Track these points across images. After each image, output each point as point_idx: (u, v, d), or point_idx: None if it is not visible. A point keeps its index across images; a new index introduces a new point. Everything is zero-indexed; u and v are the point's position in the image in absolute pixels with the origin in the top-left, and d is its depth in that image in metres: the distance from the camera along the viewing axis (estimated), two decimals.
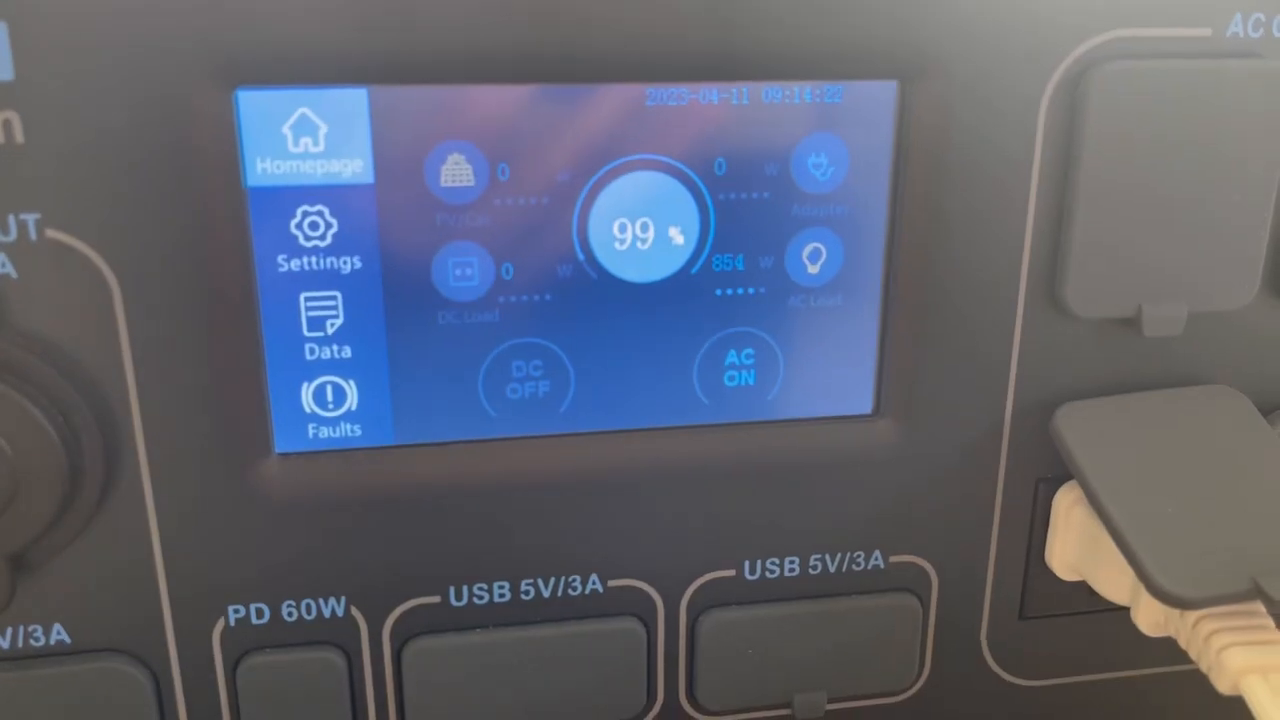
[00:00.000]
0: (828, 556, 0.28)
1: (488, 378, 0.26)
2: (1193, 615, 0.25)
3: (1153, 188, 0.26)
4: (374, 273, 0.25)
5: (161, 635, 0.26)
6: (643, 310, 0.26)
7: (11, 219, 0.22)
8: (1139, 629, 0.27)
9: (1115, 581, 0.28)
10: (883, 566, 0.29)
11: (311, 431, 0.26)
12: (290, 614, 0.26)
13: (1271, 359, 0.29)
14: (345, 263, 0.25)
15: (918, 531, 0.29)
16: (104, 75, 0.22)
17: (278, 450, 0.25)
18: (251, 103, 0.23)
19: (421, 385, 0.26)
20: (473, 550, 0.27)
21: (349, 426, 0.26)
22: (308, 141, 0.24)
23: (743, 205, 0.26)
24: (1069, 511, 0.28)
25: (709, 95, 0.25)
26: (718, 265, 0.26)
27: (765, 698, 0.29)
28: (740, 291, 0.26)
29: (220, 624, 0.26)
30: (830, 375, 0.27)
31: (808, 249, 0.26)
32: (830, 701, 0.30)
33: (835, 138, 0.26)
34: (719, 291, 0.26)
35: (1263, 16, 0.26)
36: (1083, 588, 0.29)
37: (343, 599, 0.26)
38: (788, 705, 0.29)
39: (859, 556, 0.29)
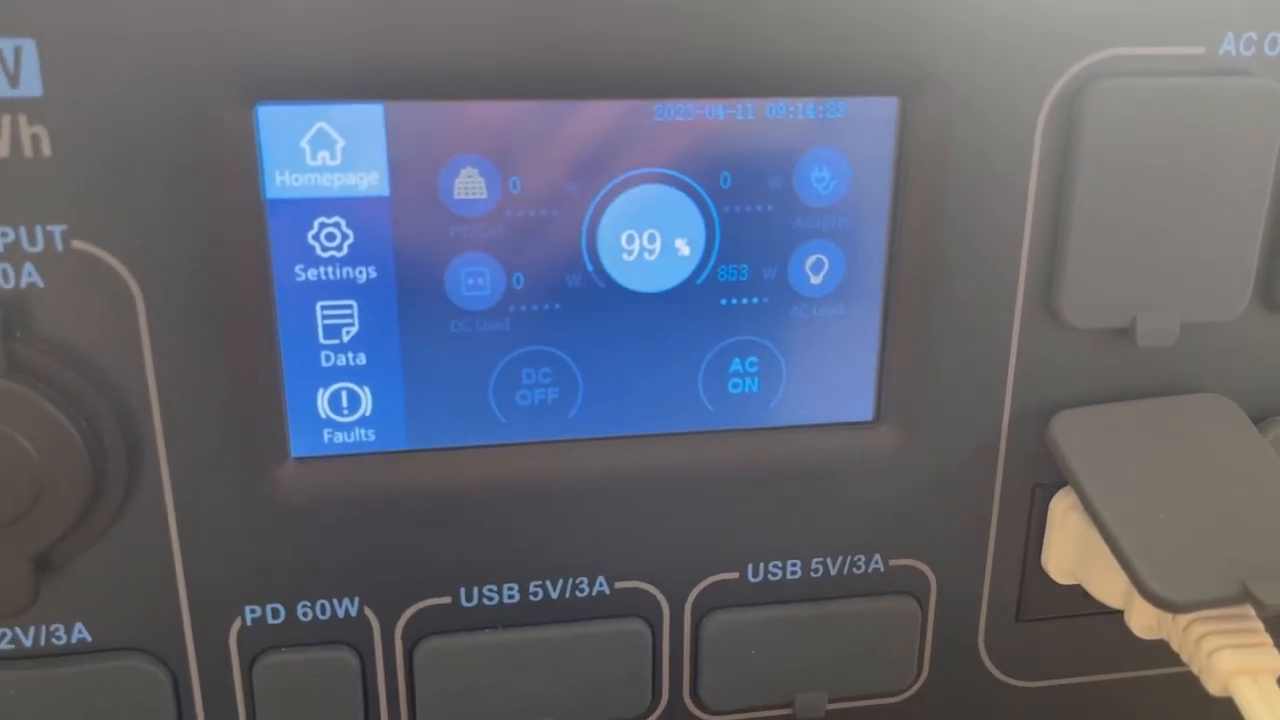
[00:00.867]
0: (829, 560, 0.29)
1: (498, 384, 0.27)
2: (1184, 618, 0.26)
3: (1147, 201, 0.27)
4: (389, 282, 0.25)
5: (180, 635, 0.27)
6: (649, 319, 0.27)
7: (39, 230, 0.23)
8: (1132, 632, 0.28)
9: (1109, 585, 0.28)
10: (882, 570, 0.29)
11: (327, 436, 0.26)
12: (305, 614, 0.27)
13: (1262, 368, 0.29)
14: (361, 272, 0.25)
15: (917, 536, 0.29)
16: (129, 91, 0.23)
17: (294, 454, 0.26)
18: (271, 118, 0.24)
19: (434, 391, 0.26)
20: (483, 553, 0.27)
21: (363, 431, 0.27)
22: (325, 155, 0.24)
23: (747, 217, 0.26)
24: (1064, 517, 0.29)
25: (715, 111, 0.25)
26: (723, 276, 0.27)
27: (767, 698, 0.30)
28: (744, 301, 0.27)
29: (237, 624, 0.27)
30: (832, 383, 0.28)
31: (810, 260, 0.27)
32: (831, 702, 0.30)
33: (837, 152, 0.26)
34: (724, 301, 0.27)
35: (1254, 35, 0.26)
36: (1078, 591, 0.30)
37: (356, 600, 0.27)
38: (789, 705, 0.30)
39: (859, 560, 0.29)
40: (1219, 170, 0.27)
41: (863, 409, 0.28)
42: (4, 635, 0.26)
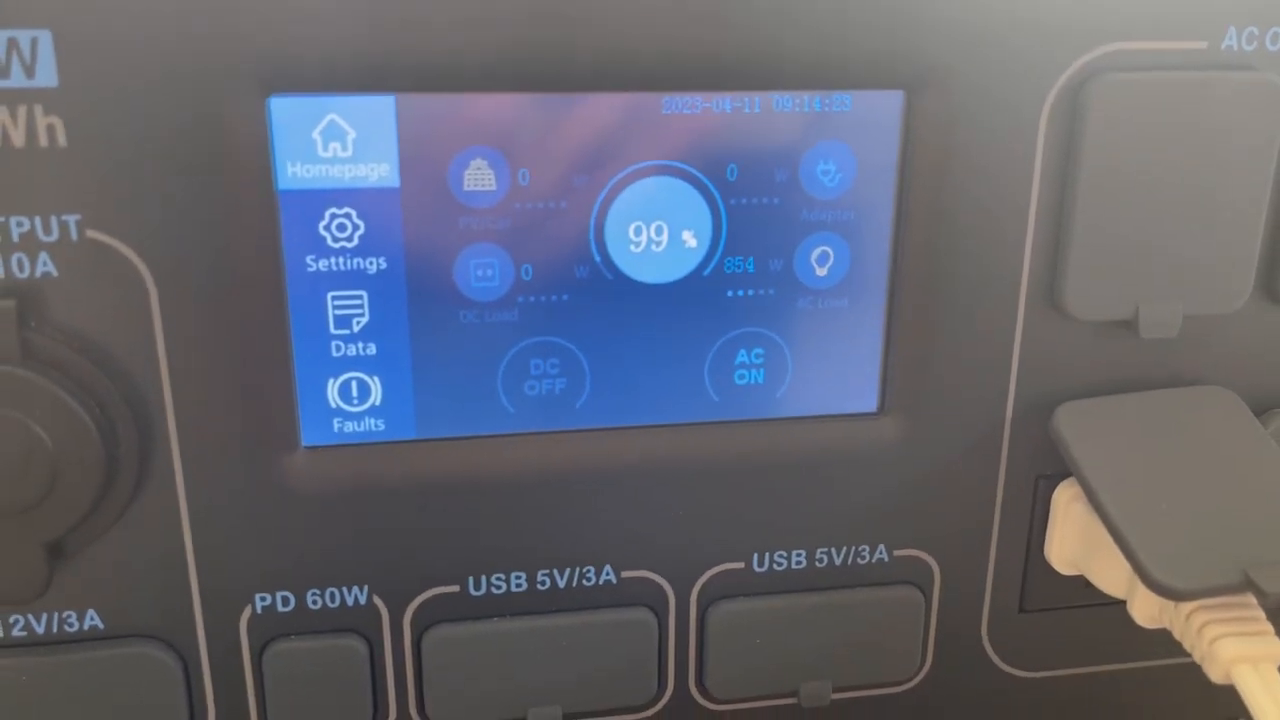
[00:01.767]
0: (833, 550, 0.29)
1: (506, 375, 0.27)
2: (1186, 607, 0.26)
3: (1149, 194, 0.27)
4: (399, 273, 0.26)
5: (191, 622, 0.27)
6: (656, 310, 0.27)
7: (54, 220, 0.23)
8: (1135, 621, 0.28)
9: (1112, 575, 0.28)
10: (887, 560, 0.30)
11: (337, 426, 0.27)
12: (315, 602, 0.27)
13: (1264, 360, 0.30)
14: (371, 263, 0.26)
15: (921, 526, 0.30)
16: (143, 83, 0.23)
17: (304, 444, 0.26)
18: (283, 109, 0.24)
19: (443, 381, 0.27)
20: (491, 541, 0.28)
21: (373, 421, 0.27)
22: (336, 146, 0.25)
23: (753, 210, 0.27)
24: (1067, 507, 0.29)
25: (722, 104, 0.26)
26: (729, 268, 0.27)
27: (772, 687, 0.30)
28: (750, 293, 0.27)
29: (247, 611, 0.27)
30: (837, 374, 0.28)
31: (816, 252, 0.27)
32: (835, 691, 0.30)
33: (843, 145, 0.26)
34: (730, 293, 0.27)
35: (1256, 30, 0.27)
36: (1080, 581, 0.30)
37: (365, 588, 0.27)
38: (794, 694, 0.30)
39: (864, 550, 0.30)
40: (1221, 163, 0.27)
41: (867, 400, 0.29)
42: (17, 622, 0.26)
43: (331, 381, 0.26)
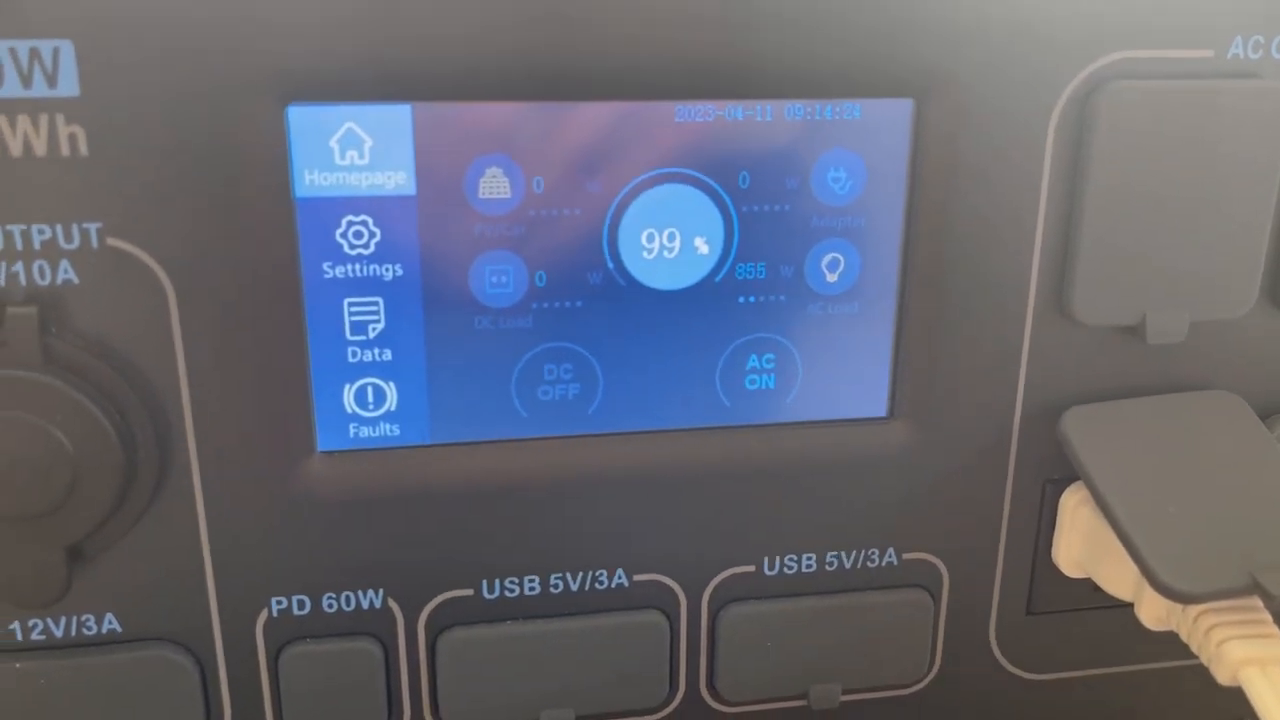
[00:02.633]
0: (843, 553, 0.30)
1: (520, 380, 0.27)
2: (1194, 610, 0.26)
3: (1156, 201, 0.27)
4: (414, 280, 0.26)
5: (208, 625, 0.27)
6: (668, 316, 0.27)
7: (75, 228, 0.24)
8: (1142, 624, 0.28)
9: (1119, 578, 0.29)
10: (896, 563, 0.30)
11: (352, 431, 0.27)
12: (330, 605, 0.27)
13: (1269, 365, 0.30)
14: (387, 270, 0.26)
15: (930, 530, 0.30)
16: (163, 92, 0.23)
17: (320, 448, 0.27)
18: (301, 118, 0.24)
19: (457, 387, 0.27)
20: (504, 545, 0.28)
21: (388, 426, 0.27)
22: (354, 155, 0.25)
23: (765, 217, 0.27)
24: (1075, 511, 0.29)
25: (734, 112, 0.26)
26: (740, 274, 0.27)
27: (782, 688, 0.30)
28: (762, 299, 0.28)
29: (264, 615, 0.27)
30: (847, 379, 0.29)
31: (826, 259, 0.28)
32: (844, 693, 0.31)
33: (853, 153, 0.27)
34: (741, 299, 0.28)
35: (1262, 39, 0.27)
36: (1088, 584, 0.30)
37: (380, 591, 0.28)
38: (804, 696, 0.31)
39: (873, 553, 0.30)
40: (1227, 170, 0.27)
41: (877, 405, 0.29)
42: (35, 625, 0.26)
43: (347, 387, 0.27)
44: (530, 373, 0.27)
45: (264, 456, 0.26)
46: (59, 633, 0.26)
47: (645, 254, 0.27)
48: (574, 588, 0.29)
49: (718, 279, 0.27)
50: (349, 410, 0.27)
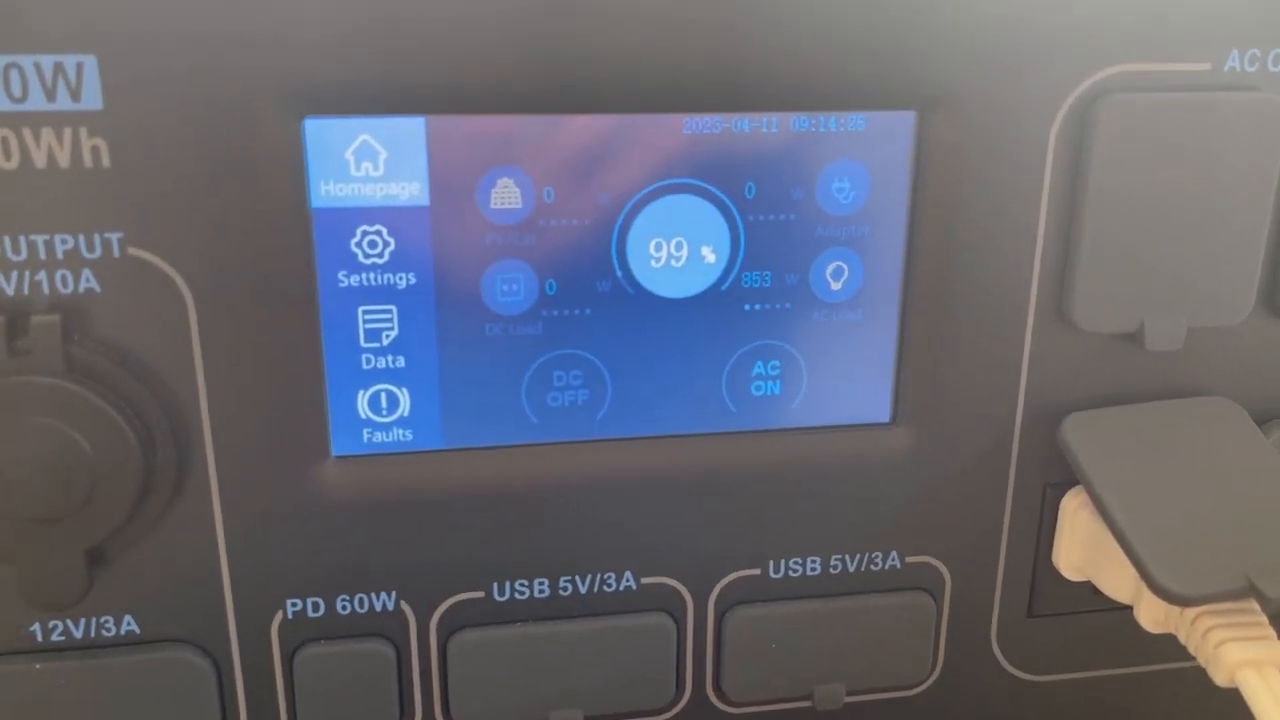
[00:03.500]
0: (847, 557, 0.30)
1: (530, 386, 0.28)
2: (1192, 612, 0.27)
3: (1155, 211, 0.28)
4: (427, 288, 0.26)
5: (224, 627, 0.28)
6: (676, 324, 0.28)
7: (97, 237, 0.24)
8: (1141, 626, 0.29)
9: (1119, 581, 0.29)
10: (899, 566, 0.30)
11: (366, 436, 0.27)
12: (344, 607, 0.28)
13: (1266, 372, 0.30)
14: (401, 279, 0.26)
15: (932, 534, 0.30)
16: (184, 105, 0.24)
17: (335, 453, 0.27)
18: (317, 130, 0.25)
19: (469, 393, 0.27)
20: (515, 548, 0.28)
21: (401, 431, 0.28)
22: (368, 166, 0.25)
23: (770, 226, 0.27)
24: (1075, 515, 0.30)
25: (741, 124, 0.27)
26: (746, 282, 0.28)
27: (787, 690, 0.31)
28: (767, 307, 0.28)
29: (279, 616, 0.28)
30: (850, 385, 0.29)
31: (831, 267, 0.28)
32: (848, 694, 0.31)
33: (857, 164, 0.27)
34: (747, 306, 0.28)
35: (1258, 52, 0.28)
36: (1088, 587, 0.31)
37: (393, 593, 0.28)
38: (808, 697, 0.31)
39: (877, 557, 0.30)
40: (1224, 181, 0.28)
41: (880, 411, 0.29)
42: (55, 627, 0.27)
43: (361, 393, 0.27)
44: (540, 379, 0.28)
45: (280, 461, 0.26)
46: (78, 634, 0.27)
47: (653, 262, 0.27)
48: (583, 590, 0.29)
49: (724, 287, 0.28)
50: (363, 416, 0.27)
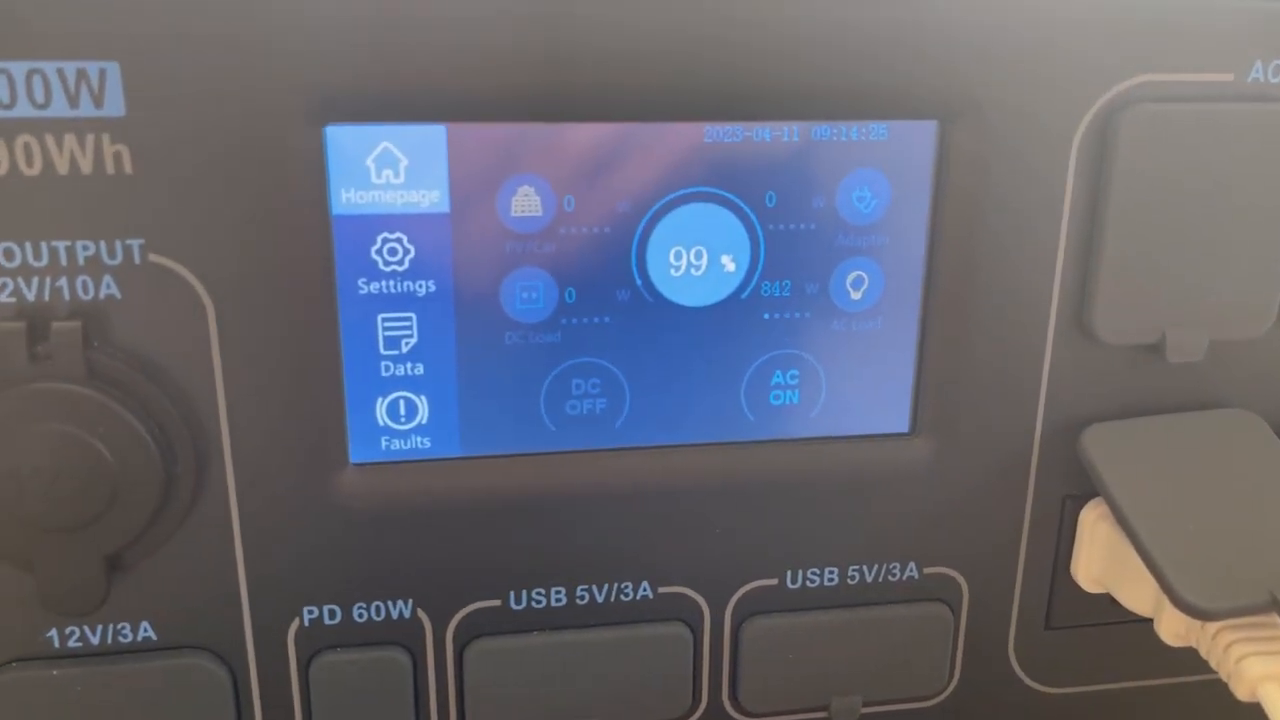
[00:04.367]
0: (865, 567, 0.30)
1: (549, 394, 0.28)
2: (1213, 626, 0.27)
3: (1177, 222, 0.28)
4: (447, 295, 0.26)
5: (240, 634, 0.27)
6: (695, 332, 0.28)
7: (118, 244, 0.24)
8: (1161, 639, 0.29)
9: (1139, 594, 0.29)
10: (917, 577, 0.30)
11: (384, 443, 0.27)
12: (360, 615, 0.28)
13: None
14: (421, 286, 0.26)
15: (950, 544, 0.30)
16: (206, 112, 0.24)
17: (353, 460, 0.27)
18: (338, 138, 0.25)
19: (487, 401, 0.27)
20: (532, 557, 0.28)
21: (419, 439, 0.27)
22: (389, 174, 0.25)
23: (791, 235, 0.27)
24: (1094, 527, 0.30)
25: (762, 133, 0.26)
26: (766, 291, 0.28)
27: (803, 700, 0.31)
28: (786, 316, 0.28)
29: (295, 624, 0.28)
30: (870, 395, 0.29)
31: (851, 276, 0.28)
32: (865, 705, 0.31)
33: (878, 173, 0.27)
34: (767, 315, 0.28)
35: None
36: (1106, 599, 0.30)
37: (410, 602, 0.28)
38: (825, 708, 0.31)
39: (894, 567, 0.30)
40: (1246, 192, 0.28)
41: (899, 421, 0.29)
42: (73, 633, 0.27)
43: (380, 400, 0.27)
44: (559, 387, 0.28)
45: (298, 468, 0.26)
46: (95, 640, 0.27)
47: (673, 271, 0.27)
48: (600, 599, 0.29)
49: (744, 296, 0.28)
50: (381, 423, 0.27)
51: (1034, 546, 0.31)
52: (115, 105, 0.23)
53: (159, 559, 0.26)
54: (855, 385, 0.29)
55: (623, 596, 0.29)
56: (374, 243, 0.26)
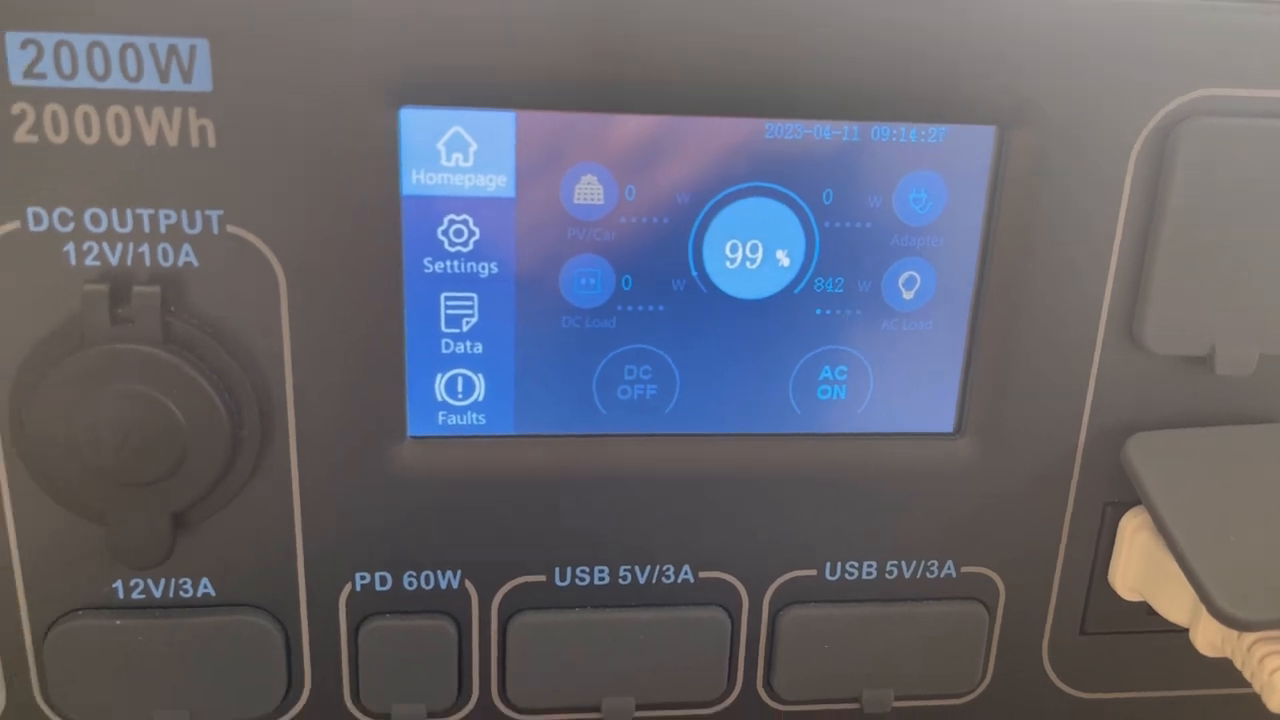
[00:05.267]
0: (903, 563, 0.31)
1: (602, 379, 0.28)
2: (1249, 637, 0.27)
3: (1231, 235, 0.28)
4: (508, 278, 0.27)
5: (295, 595, 0.29)
6: (747, 324, 0.28)
7: (199, 214, 0.25)
8: (1196, 649, 0.29)
9: (1175, 603, 0.29)
10: (954, 576, 0.31)
11: (441, 418, 0.28)
12: (410, 583, 0.29)
13: None
14: (484, 267, 0.27)
15: (989, 545, 0.31)
16: (288, 92, 0.25)
17: (410, 434, 0.28)
18: (412, 120, 0.26)
19: (542, 382, 0.28)
20: (578, 536, 0.29)
21: (475, 415, 0.28)
22: (459, 157, 0.26)
23: (846, 233, 0.28)
24: (1134, 535, 0.30)
25: (823, 131, 0.27)
26: (819, 287, 0.28)
27: (837, 691, 0.31)
28: (838, 312, 0.29)
29: (347, 589, 0.29)
30: (916, 394, 0.29)
31: (903, 276, 0.28)
32: (896, 699, 0.32)
33: (936, 175, 0.28)
34: (818, 311, 0.28)
35: None
36: (1143, 607, 0.31)
37: (458, 573, 0.29)
38: (856, 700, 0.31)
39: (933, 565, 0.31)
40: None
41: (944, 420, 0.30)
42: (136, 586, 0.28)
43: (439, 376, 0.28)
44: (611, 372, 0.28)
45: (357, 439, 0.27)
46: (158, 594, 0.28)
47: (728, 263, 0.28)
48: (641, 580, 0.30)
49: (796, 291, 0.28)
50: (439, 399, 0.28)
51: (1073, 551, 0.31)
52: (203, 81, 0.24)
53: (222, 519, 0.27)
54: (902, 384, 0.29)
55: (664, 579, 0.30)
56: (441, 223, 0.27)
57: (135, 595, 0.28)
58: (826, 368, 0.29)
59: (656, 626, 0.30)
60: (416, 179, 0.26)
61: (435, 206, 0.26)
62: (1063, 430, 0.30)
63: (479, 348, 0.28)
